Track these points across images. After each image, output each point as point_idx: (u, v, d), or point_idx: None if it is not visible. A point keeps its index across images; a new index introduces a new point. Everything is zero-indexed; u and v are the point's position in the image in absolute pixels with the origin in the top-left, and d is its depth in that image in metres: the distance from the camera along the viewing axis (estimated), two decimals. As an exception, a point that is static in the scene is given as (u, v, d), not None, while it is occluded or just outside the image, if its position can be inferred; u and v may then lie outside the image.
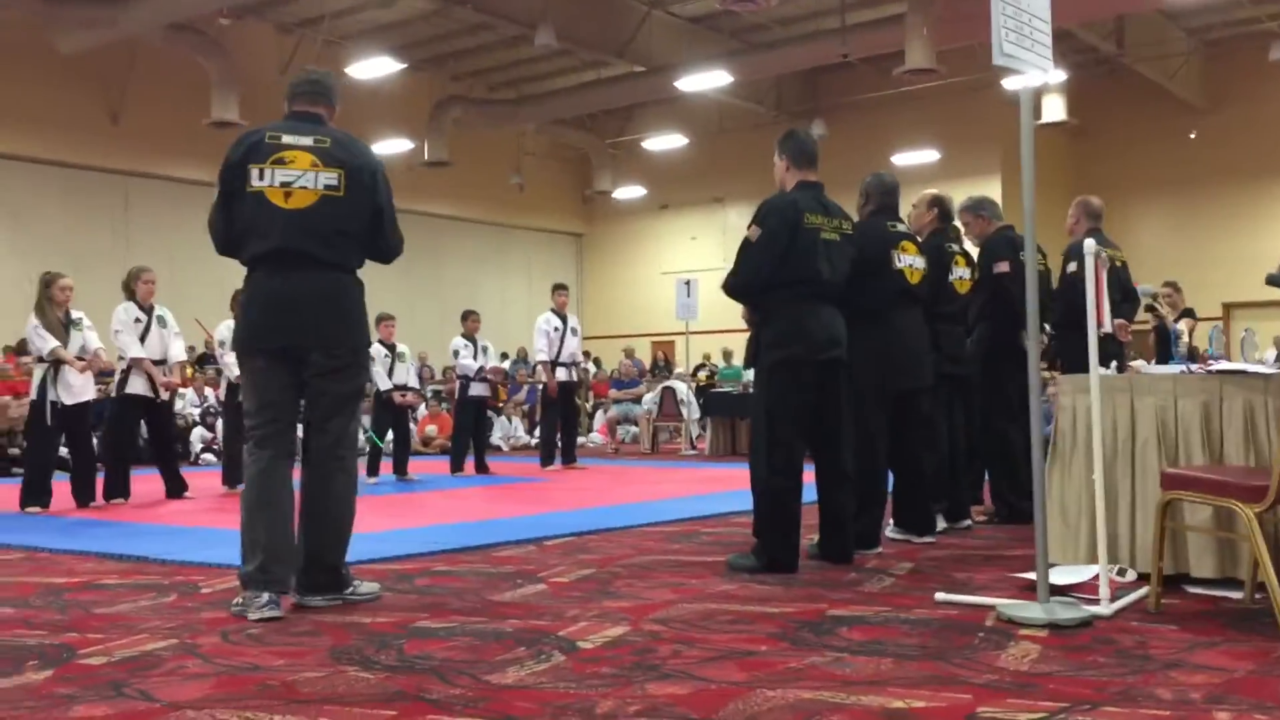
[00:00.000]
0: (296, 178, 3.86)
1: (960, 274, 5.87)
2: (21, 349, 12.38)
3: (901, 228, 5.36)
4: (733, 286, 4.80)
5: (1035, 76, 3.71)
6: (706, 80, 17.30)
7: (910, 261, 5.27)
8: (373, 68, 17.40)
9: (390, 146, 19.93)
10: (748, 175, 21.51)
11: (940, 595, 3.90)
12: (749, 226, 4.73)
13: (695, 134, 21.62)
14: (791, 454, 4.62)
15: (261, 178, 3.86)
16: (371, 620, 3.68)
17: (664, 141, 21.75)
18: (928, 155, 19.74)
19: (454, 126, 19.93)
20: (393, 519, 6.55)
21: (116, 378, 7.71)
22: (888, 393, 5.16)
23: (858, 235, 4.93)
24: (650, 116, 22.45)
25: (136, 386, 7.62)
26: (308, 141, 3.91)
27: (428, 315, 20.75)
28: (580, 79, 20.38)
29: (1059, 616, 3.43)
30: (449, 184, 21.02)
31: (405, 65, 18.06)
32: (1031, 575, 4.02)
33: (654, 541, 5.55)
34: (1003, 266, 5.92)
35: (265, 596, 3.71)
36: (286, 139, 3.91)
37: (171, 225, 17.82)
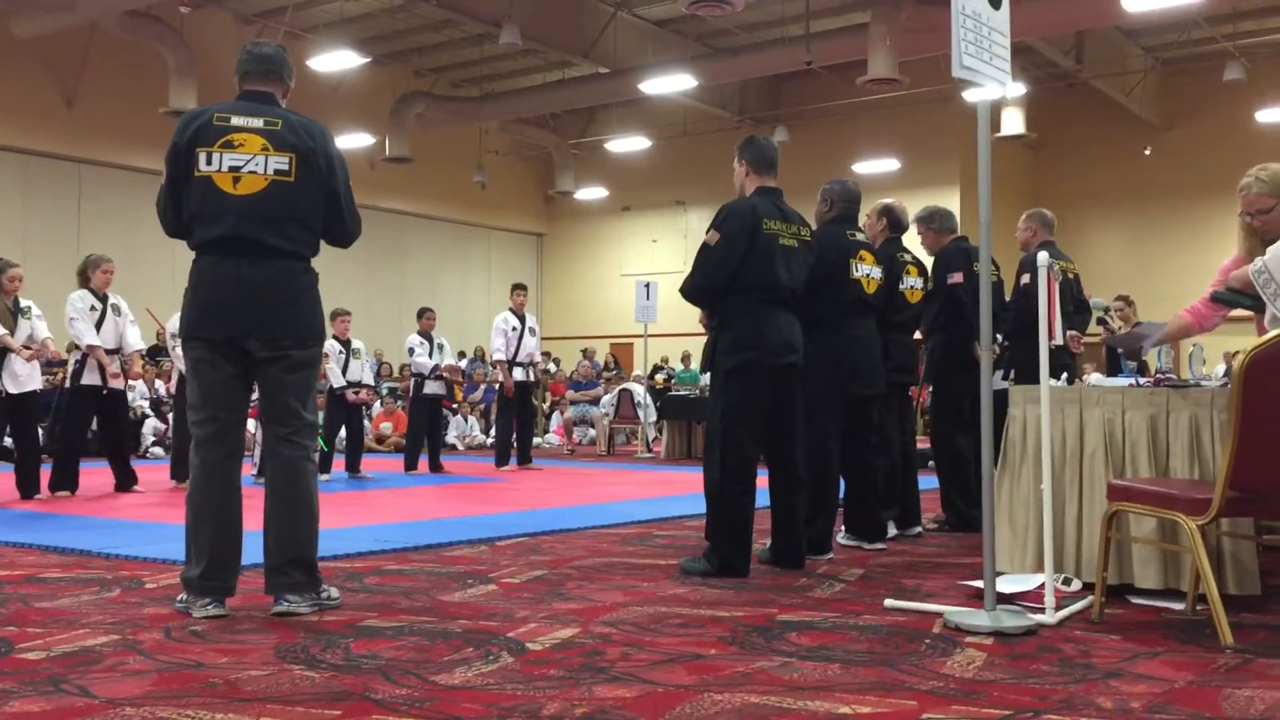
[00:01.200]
0: (245, 162, 3.70)
1: (912, 283, 5.92)
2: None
3: (860, 237, 5.39)
4: (690, 290, 4.80)
5: (993, 89, 3.74)
6: (671, 83, 17.33)
7: (867, 271, 5.31)
8: (335, 61, 17.27)
9: (351, 141, 19.77)
10: (710, 179, 21.56)
11: (889, 602, 3.93)
12: (708, 231, 4.73)
13: (658, 137, 21.67)
14: (745, 458, 4.63)
15: (209, 162, 3.70)
16: (318, 619, 3.65)
17: (627, 143, 21.77)
18: (888, 164, 19.91)
19: (416, 122, 19.83)
20: (344, 517, 6.49)
21: (70, 368, 7.58)
22: (841, 399, 5.19)
23: (816, 243, 4.96)
24: (614, 118, 22.47)
25: (91, 377, 7.50)
26: (258, 124, 3.75)
27: (387, 312, 20.64)
28: (545, 78, 20.34)
29: (1004, 624, 3.46)
30: (410, 180, 20.93)
31: (368, 59, 17.94)
32: (979, 583, 4.06)
33: (608, 544, 5.54)
34: (956, 278, 5.98)
35: (209, 600, 3.64)
36: (235, 120, 3.74)
37: (125, 213, 17.57)
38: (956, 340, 5.93)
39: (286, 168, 3.75)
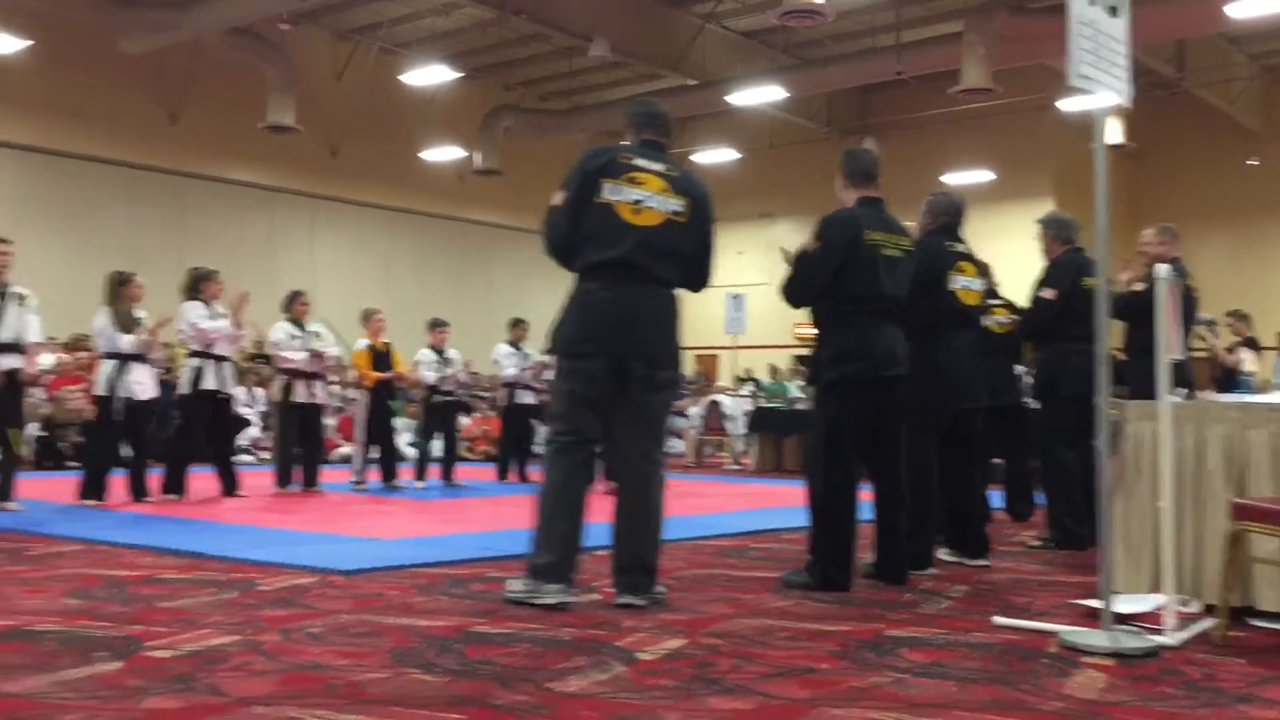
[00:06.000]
0: (646, 197, 4.06)
1: (965, 283, 5.67)
2: (76, 344, 12.59)
3: (961, 248, 5.32)
4: (787, 294, 4.82)
5: (1109, 99, 3.67)
6: (759, 95, 17.30)
7: (966, 283, 5.24)
8: (427, 75, 17.56)
9: (442, 154, 20.12)
10: (797, 191, 21.47)
11: (999, 619, 3.87)
12: (810, 238, 4.72)
13: (746, 148, 21.61)
14: (848, 472, 4.59)
15: (613, 192, 4.03)
16: (429, 624, 3.70)
17: (714, 155, 21.75)
18: (981, 175, 19.61)
19: (505, 136, 20.06)
20: (444, 524, 6.59)
21: (186, 374, 7.82)
22: (941, 413, 5.13)
23: (917, 253, 4.90)
24: (701, 130, 22.48)
25: (207, 383, 7.73)
26: (658, 168, 4.12)
27: (477, 322, 20.88)
28: (632, 90, 20.43)
29: (1124, 645, 3.38)
30: (498, 192, 21.15)
31: (460, 74, 18.22)
32: (1092, 602, 3.98)
33: (705, 556, 5.53)
34: (1048, 294, 5.89)
35: (558, 587, 3.92)
36: (638, 161, 4.10)
37: (226, 226, 18.09)
38: (1065, 354, 5.81)
39: (682, 210, 4.13)
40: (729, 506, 8.18)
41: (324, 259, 19.50)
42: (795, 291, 4.78)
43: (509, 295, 21.89)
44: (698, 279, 4.30)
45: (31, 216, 15.66)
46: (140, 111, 17.32)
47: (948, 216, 5.35)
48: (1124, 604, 3.89)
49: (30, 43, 15.05)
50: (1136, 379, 5.64)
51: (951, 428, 5.16)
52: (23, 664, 3.05)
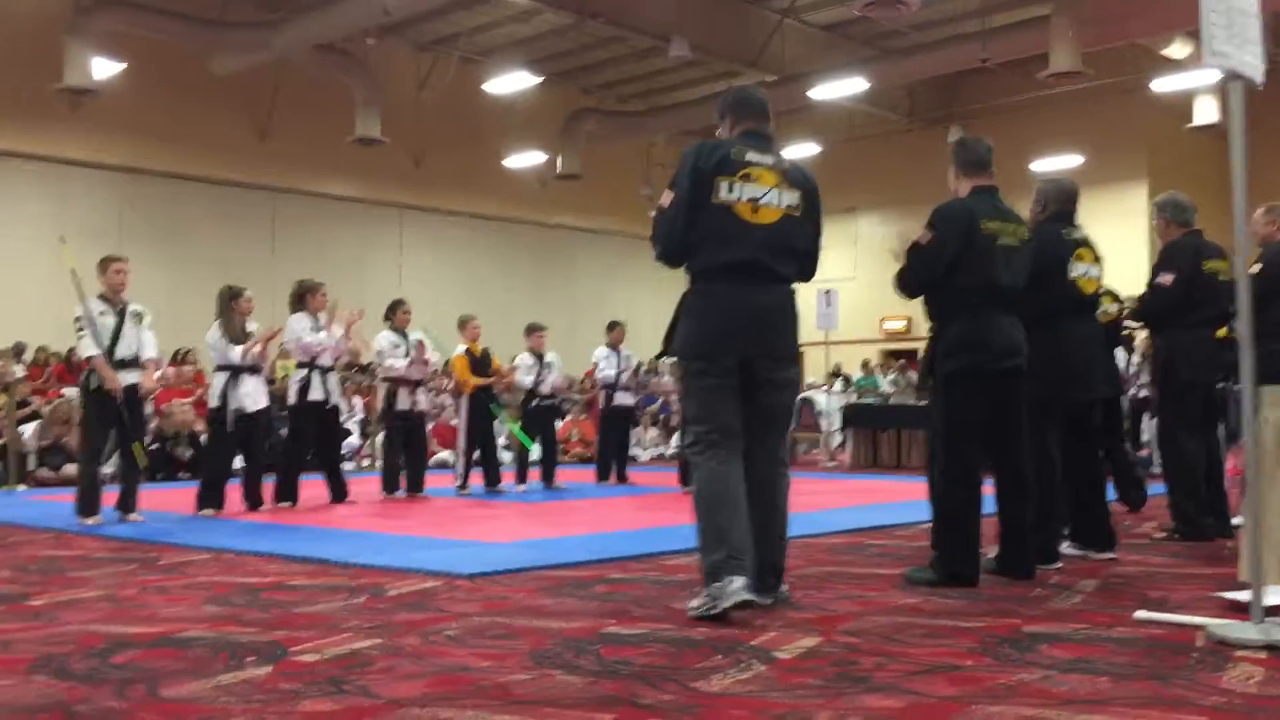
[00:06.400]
0: (763, 194, 3.97)
1: (1084, 270, 5.52)
2: (182, 357, 12.95)
3: (1078, 234, 5.21)
4: (902, 286, 4.76)
5: (1248, 71, 3.55)
6: (841, 88, 17.15)
7: (1085, 270, 5.13)
8: (507, 82, 17.73)
9: (524, 160, 20.29)
10: (879, 184, 21.26)
11: (1141, 614, 3.77)
12: (923, 229, 4.65)
13: (826, 142, 21.44)
14: (970, 465, 4.52)
15: (730, 191, 3.93)
16: (562, 626, 3.72)
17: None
18: (1069, 160, 19.17)
19: (585, 139, 20.16)
20: (553, 527, 6.64)
21: (294, 385, 8.00)
22: (1062, 404, 5.03)
23: (1034, 241, 4.81)
24: (781, 125, 22.12)
25: (316, 393, 7.90)
26: (769, 161, 4.03)
27: (560, 325, 21.01)
28: (711, 89, 20.38)
29: (1278, 638, 3.28)
30: (578, 196, 21.26)
31: (540, 79, 18.36)
32: (1236, 594, 3.87)
33: (820, 554, 5.49)
34: (1165, 279, 5.72)
35: (740, 580, 3.73)
36: (750, 156, 3.99)
37: (316, 238, 18.45)
38: (1185, 339, 5.66)
39: (797, 203, 4.06)
40: (833, 503, 8.11)
41: (411, 267, 19.79)
42: (909, 284, 4.72)
43: (590, 298, 22.00)
44: (810, 272, 4.26)
45: (132, 236, 16.13)
46: (231, 130, 17.75)
47: (1060, 203, 5.24)
48: (1271, 597, 3.77)
49: (124, 66, 15.53)
50: (1261, 363, 5.45)
51: (1073, 418, 5.05)
52: (180, 669, 3.13)
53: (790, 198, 4.04)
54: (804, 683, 2.95)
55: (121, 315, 6.91)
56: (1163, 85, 16.48)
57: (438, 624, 3.74)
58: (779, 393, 4.06)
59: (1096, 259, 5.22)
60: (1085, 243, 5.20)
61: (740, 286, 3.96)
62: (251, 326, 7.71)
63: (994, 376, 4.54)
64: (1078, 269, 5.09)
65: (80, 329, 6.81)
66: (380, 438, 10.34)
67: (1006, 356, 4.55)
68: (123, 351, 6.88)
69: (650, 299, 23.86)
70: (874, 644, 3.41)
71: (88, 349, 6.79)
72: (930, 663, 3.16)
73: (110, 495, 7.03)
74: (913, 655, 3.25)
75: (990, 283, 4.54)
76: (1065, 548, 5.20)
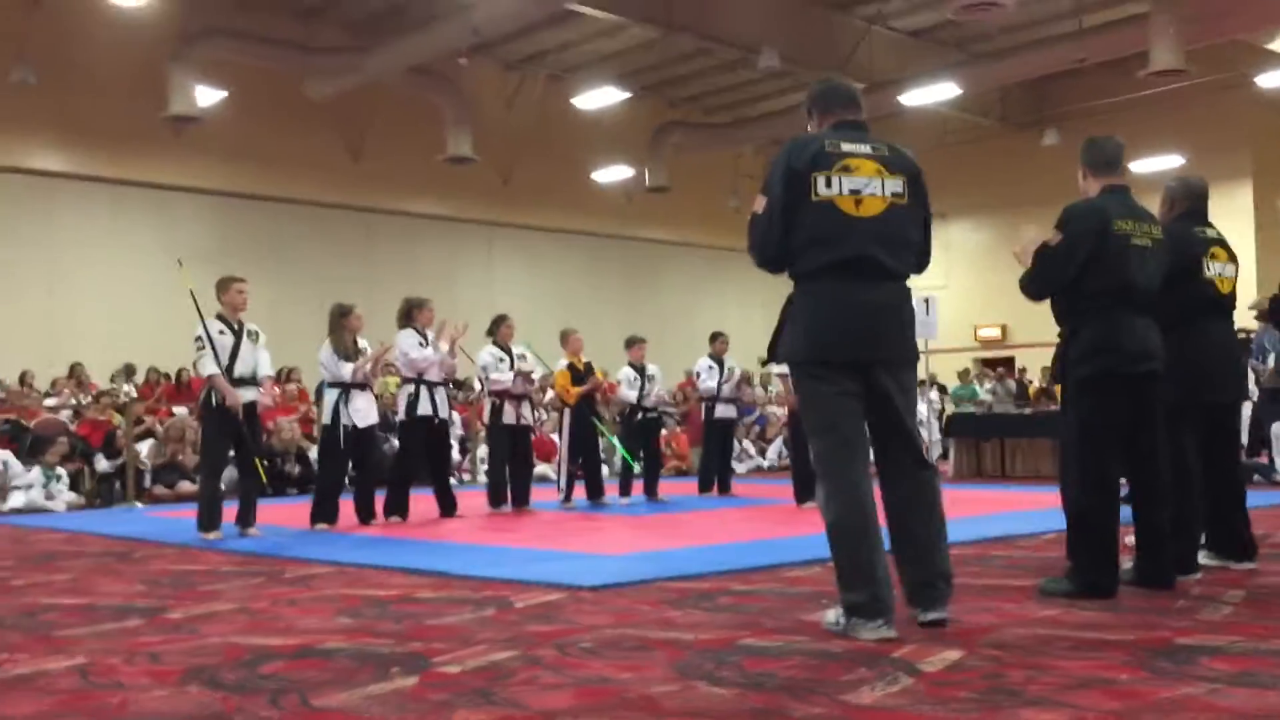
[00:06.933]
0: (864, 185, 3.72)
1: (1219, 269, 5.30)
2: (286, 375, 13.22)
3: (1211, 233, 5.04)
4: (1029, 289, 4.63)
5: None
6: (932, 93, 16.93)
7: (1221, 269, 4.96)
8: (595, 98, 17.84)
9: (612, 175, 20.39)
10: (969, 190, 20.92)
11: (1300, 625, 3.62)
12: (1053, 229, 4.54)
13: (916, 149, 21.00)
14: (1105, 473, 4.38)
15: (830, 185, 3.70)
16: (696, 637, 3.69)
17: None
18: (1170, 161, 18.67)
19: (672, 151, 20.18)
20: (665, 539, 6.62)
21: (402, 400, 8.12)
22: (1197, 408, 4.86)
23: (1168, 241, 4.66)
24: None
25: (425, 408, 8.01)
26: (866, 149, 3.79)
27: (647, 338, 21.00)
28: (797, 99, 20.24)
29: None
30: (665, 208, 21.29)
31: (627, 94, 18.43)
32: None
33: (942, 564, 5.38)
34: None
35: (883, 623, 3.59)
36: (845, 146, 3.76)
37: (408, 256, 18.75)
38: None
39: (901, 190, 3.78)
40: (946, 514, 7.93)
41: (501, 283, 19.99)
42: (1036, 287, 4.60)
43: (678, 311, 22.01)
44: (924, 263, 3.98)
45: (234, 257, 16.46)
46: (325, 152, 18.14)
47: (1190, 201, 5.08)
48: None
49: (226, 94, 15.97)
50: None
51: (1210, 423, 4.88)
52: (327, 680, 3.17)
53: (894, 185, 3.76)
54: (955, 696, 2.88)
55: (239, 334, 7.08)
56: (1269, 80, 15.96)
57: (571, 636, 3.73)
58: (903, 394, 3.79)
59: (1231, 258, 5.05)
60: (1219, 241, 5.03)
61: (849, 285, 3.71)
62: (361, 343, 7.84)
63: (1128, 381, 4.40)
64: (1213, 268, 4.92)
65: (200, 347, 6.98)
66: (482, 451, 10.43)
67: (1142, 360, 4.41)
68: (240, 370, 7.04)
69: (738, 311, 23.80)
70: (1019, 657, 3.31)
71: (208, 367, 6.96)
72: (1083, 676, 3.06)
73: (228, 510, 7.19)
74: (1063, 668, 3.15)
75: (1124, 284, 4.40)
76: (1203, 558, 5.02)
